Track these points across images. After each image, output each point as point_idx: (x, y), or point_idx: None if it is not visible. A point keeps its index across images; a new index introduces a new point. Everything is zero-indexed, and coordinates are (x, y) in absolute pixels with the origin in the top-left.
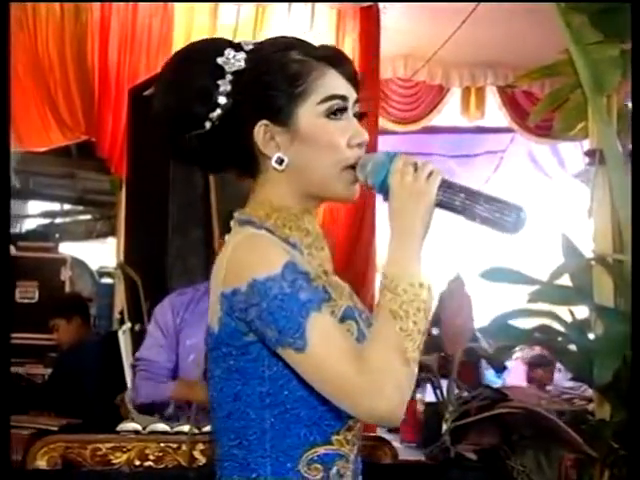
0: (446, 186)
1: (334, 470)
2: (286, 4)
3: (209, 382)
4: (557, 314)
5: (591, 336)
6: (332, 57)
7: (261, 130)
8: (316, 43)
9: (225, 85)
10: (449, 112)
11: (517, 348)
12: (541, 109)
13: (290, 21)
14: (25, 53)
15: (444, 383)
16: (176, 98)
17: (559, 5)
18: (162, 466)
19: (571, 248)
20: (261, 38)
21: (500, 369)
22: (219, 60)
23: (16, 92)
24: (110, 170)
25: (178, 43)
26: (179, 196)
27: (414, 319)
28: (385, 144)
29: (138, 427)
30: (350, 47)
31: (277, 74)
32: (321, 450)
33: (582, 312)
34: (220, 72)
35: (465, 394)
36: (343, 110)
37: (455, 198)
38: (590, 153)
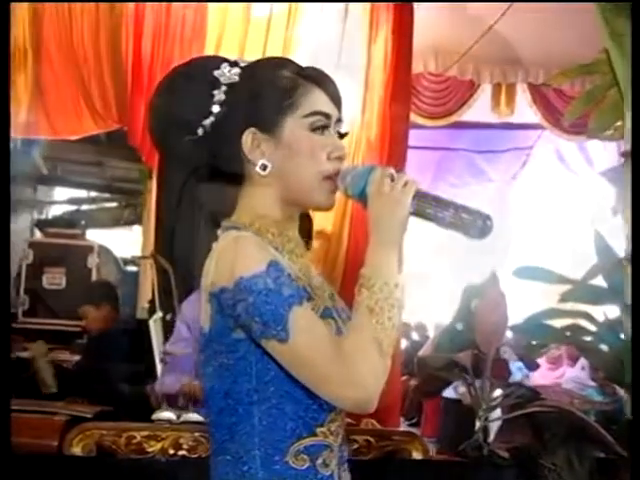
0: (420, 196)
1: (320, 460)
2: None
3: (202, 379)
4: (589, 313)
5: (622, 336)
6: (318, 77)
7: (249, 137)
8: (349, 38)
9: (219, 95)
10: (479, 108)
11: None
12: (577, 108)
13: (323, 15)
14: (60, 44)
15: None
16: (174, 105)
17: (599, 4)
18: (196, 455)
19: (604, 247)
20: (295, 30)
21: (533, 367)
22: (215, 73)
23: (50, 82)
24: (141, 159)
25: (212, 34)
26: None
27: (389, 315)
28: (414, 138)
29: (173, 416)
30: (383, 41)
31: (267, 87)
32: (307, 442)
33: (614, 312)
34: (216, 83)
35: (497, 392)
36: (326, 127)
37: (428, 207)
38: (627, 154)
